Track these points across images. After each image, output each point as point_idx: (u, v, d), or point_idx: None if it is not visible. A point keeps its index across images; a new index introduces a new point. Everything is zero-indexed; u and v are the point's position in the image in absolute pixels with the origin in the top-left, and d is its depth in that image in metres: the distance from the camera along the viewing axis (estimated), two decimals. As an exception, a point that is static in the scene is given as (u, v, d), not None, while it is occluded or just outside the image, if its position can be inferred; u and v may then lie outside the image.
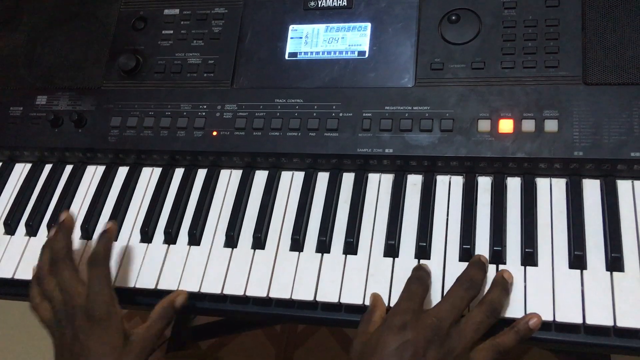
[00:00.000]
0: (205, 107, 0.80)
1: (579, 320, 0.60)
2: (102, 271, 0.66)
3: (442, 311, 0.59)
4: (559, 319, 0.61)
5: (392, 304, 0.65)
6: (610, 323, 0.60)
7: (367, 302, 0.65)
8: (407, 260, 0.68)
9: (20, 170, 0.86)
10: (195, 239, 0.74)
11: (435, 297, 0.65)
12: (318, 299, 0.67)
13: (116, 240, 0.75)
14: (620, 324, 0.59)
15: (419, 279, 0.63)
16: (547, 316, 0.61)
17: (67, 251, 0.68)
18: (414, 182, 0.73)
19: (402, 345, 0.57)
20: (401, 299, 0.62)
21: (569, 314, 0.61)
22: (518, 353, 1.36)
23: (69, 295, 0.64)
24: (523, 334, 0.60)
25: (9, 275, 0.76)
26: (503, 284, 0.62)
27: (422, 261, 0.67)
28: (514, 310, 0.62)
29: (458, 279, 0.62)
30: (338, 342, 1.46)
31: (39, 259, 0.70)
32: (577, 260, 0.63)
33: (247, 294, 0.69)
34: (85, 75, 0.86)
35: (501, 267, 0.65)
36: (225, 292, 0.70)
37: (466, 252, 0.66)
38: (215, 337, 1.52)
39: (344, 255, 0.69)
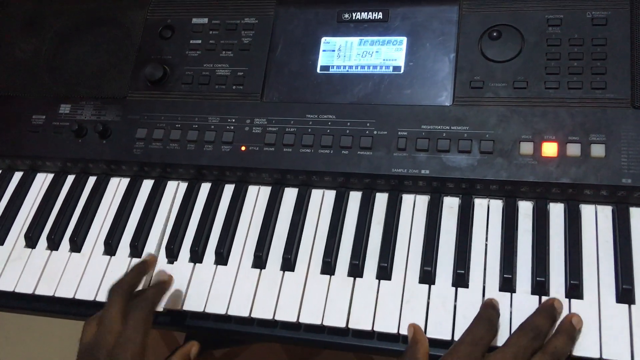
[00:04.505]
0: (233, 120, 0.77)
1: (627, 359, 0.57)
2: (143, 317, 0.62)
3: None
4: (605, 356, 0.58)
5: (428, 334, 0.62)
6: (661, 363, 0.57)
7: (402, 331, 0.63)
8: (444, 287, 0.65)
9: (42, 181, 0.84)
10: (222, 258, 0.72)
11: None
12: (350, 326, 0.65)
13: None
14: (672, 363, 0.57)
15: (488, 322, 0.59)
16: (593, 353, 0.58)
17: (128, 289, 0.65)
18: (451, 205, 0.70)
19: None
20: (464, 340, 0.58)
21: (617, 352, 0.58)
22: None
23: (103, 331, 0.61)
24: (569, 331, 0.58)
25: (29, 291, 0.74)
26: (569, 331, 0.59)
27: (460, 290, 0.64)
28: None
29: (523, 326, 0.59)
30: (354, 353, 1.43)
31: None
32: (625, 294, 0.60)
33: (277, 318, 0.67)
34: (110, 84, 0.83)
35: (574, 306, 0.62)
36: (253, 315, 0.67)
37: (507, 281, 0.63)
38: (229, 346, 1.49)
39: (378, 281, 0.67)
